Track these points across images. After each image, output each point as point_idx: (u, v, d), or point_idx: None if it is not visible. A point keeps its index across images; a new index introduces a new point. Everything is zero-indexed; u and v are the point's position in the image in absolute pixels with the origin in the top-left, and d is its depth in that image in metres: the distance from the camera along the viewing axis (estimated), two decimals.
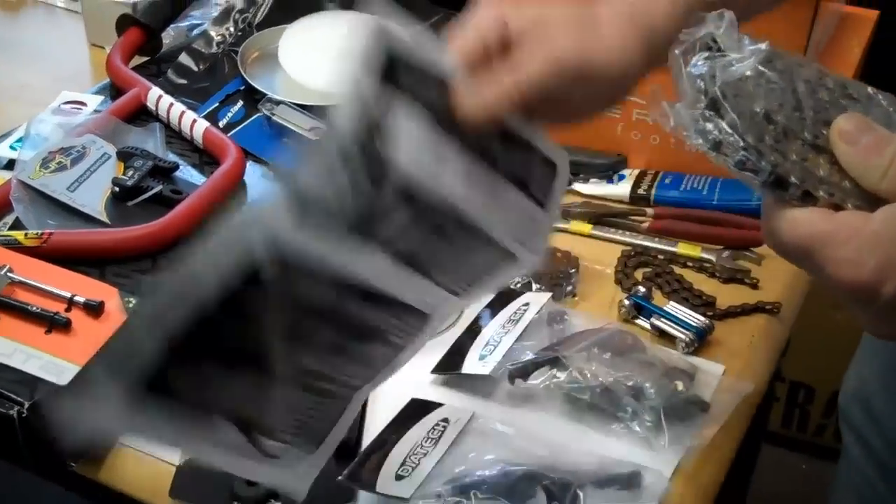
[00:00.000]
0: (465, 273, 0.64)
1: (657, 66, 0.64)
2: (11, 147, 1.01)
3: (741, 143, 0.60)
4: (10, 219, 0.91)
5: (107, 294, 0.81)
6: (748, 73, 0.61)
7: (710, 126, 0.61)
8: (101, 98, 1.11)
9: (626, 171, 1.11)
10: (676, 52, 0.63)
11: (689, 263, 1.00)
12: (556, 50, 0.61)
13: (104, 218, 0.91)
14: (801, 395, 1.77)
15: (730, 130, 0.60)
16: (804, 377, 1.75)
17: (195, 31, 1.27)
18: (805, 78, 0.62)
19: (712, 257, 0.99)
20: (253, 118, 1.06)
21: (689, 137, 0.62)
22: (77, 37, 1.36)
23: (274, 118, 1.03)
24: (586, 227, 1.04)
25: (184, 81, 1.12)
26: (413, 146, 0.55)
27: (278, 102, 1.04)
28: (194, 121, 1.03)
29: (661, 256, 1.00)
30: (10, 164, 0.98)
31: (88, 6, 1.33)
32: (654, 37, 0.63)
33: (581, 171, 1.11)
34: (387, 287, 0.57)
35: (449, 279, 0.62)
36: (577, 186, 1.10)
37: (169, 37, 1.25)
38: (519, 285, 0.94)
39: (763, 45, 0.61)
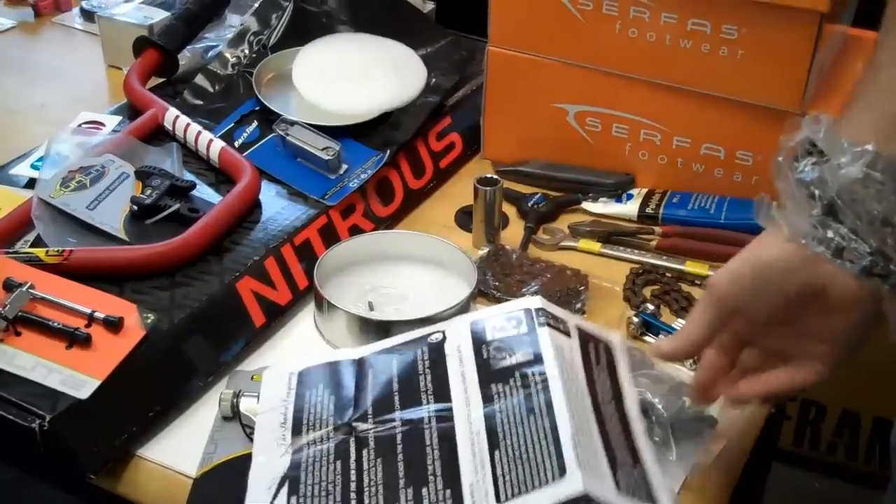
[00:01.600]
0: None
1: None
2: (32, 166, 1.03)
3: (867, 249, 0.61)
4: (31, 236, 0.93)
5: (126, 310, 0.83)
6: (858, 175, 0.61)
7: (829, 233, 0.61)
8: (118, 118, 1.13)
9: (634, 191, 1.13)
10: (780, 158, 0.63)
11: (697, 281, 1.01)
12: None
13: (123, 236, 0.93)
14: (812, 412, 1.77)
15: (853, 236, 0.60)
16: (815, 394, 1.75)
17: (211, 53, 1.30)
18: None
19: None
20: (268, 138, 1.08)
21: (809, 246, 0.62)
22: (95, 58, 1.39)
23: (288, 138, 1.05)
24: (595, 246, 1.06)
25: (200, 102, 1.14)
26: None
27: (292, 123, 1.06)
28: (210, 141, 1.05)
29: (668, 274, 1.02)
30: (31, 183, 1.00)
31: (105, 28, 1.35)
32: None
33: (590, 190, 1.13)
34: None
35: None
36: (587, 205, 1.12)
37: (185, 58, 1.27)
38: None
39: (869, 147, 0.62)
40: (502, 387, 0.74)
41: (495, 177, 1.04)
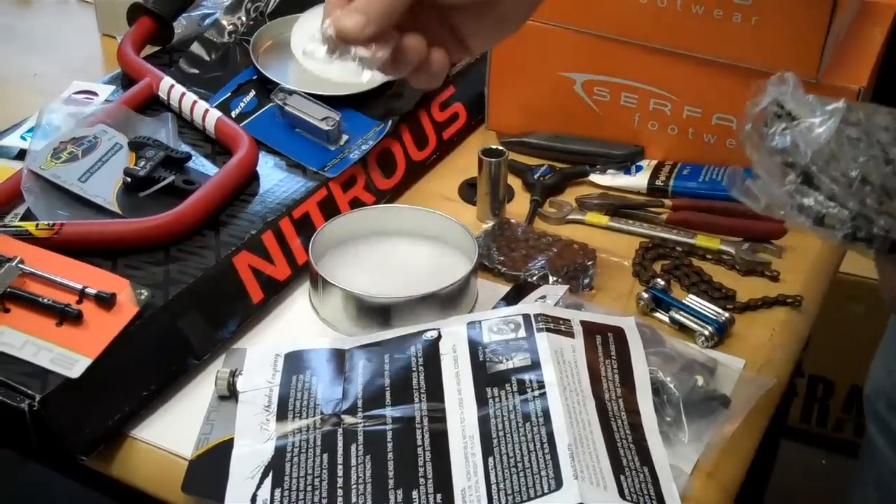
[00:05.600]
0: None
1: None
2: (22, 137, 1.00)
3: (847, 214, 0.58)
4: (21, 209, 0.90)
5: (118, 286, 0.80)
6: (830, 134, 0.58)
7: (808, 201, 0.58)
8: (112, 88, 1.10)
9: (643, 163, 1.10)
10: (747, 127, 0.60)
11: (708, 256, 0.98)
12: None
13: (116, 209, 0.90)
14: (820, 389, 1.75)
15: (831, 203, 0.58)
16: (824, 371, 1.73)
17: (207, 21, 1.26)
18: (883, 125, 0.59)
19: (731, 249, 0.98)
20: (265, 108, 1.04)
21: (788, 216, 0.59)
22: (89, 27, 1.35)
23: (287, 108, 1.02)
24: (603, 219, 1.03)
25: (195, 71, 1.11)
26: None
27: (291, 92, 1.03)
28: (206, 111, 1.02)
29: (679, 249, 0.99)
30: (22, 154, 0.97)
31: None
32: None
33: (598, 161, 1.10)
34: None
35: None
36: (595, 178, 1.08)
37: (181, 26, 1.24)
38: (535, 278, 0.92)
39: (839, 104, 0.59)
40: (498, 391, 0.72)
41: (500, 148, 1.00)
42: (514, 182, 1.08)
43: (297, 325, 0.88)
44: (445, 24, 0.67)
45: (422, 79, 0.67)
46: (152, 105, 1.06)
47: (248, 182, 0.96)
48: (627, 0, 1.02)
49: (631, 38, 1.05)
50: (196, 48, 1.13)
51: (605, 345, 0.79)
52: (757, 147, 0.62)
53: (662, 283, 0.92)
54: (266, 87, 1.06)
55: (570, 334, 0.78)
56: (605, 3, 1.03)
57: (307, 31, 1.10)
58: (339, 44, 0.63)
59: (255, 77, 1.08)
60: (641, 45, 1.04)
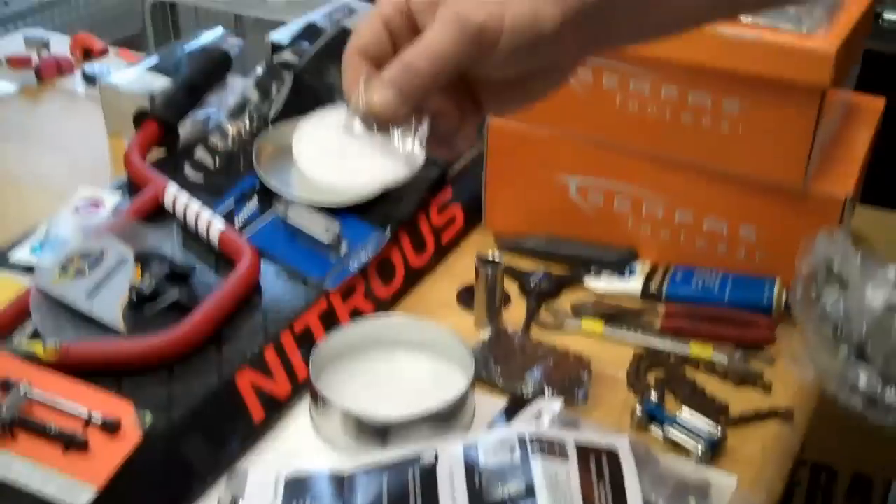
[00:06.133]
0: None
1: (587, 28, 0.60)
2: (32, 251, 1.03)
3: None
4: (29, 326, 0.92)
5: (122, 409, 0.82)
6: (887, 304, 0.58)
7: (861, 381, 0.59)
8: (118, 196, 1.13)
9: (637, 265, 1.12)
10: (799, 289, 0.61)
11: (702, 365, 1.00)
12: (456, 12, 0.56)
13: (121, 327, 0.92)
14: (823, 477, 1.75)
15: (885, 384, 0.58)
16: (826, 459, 1.73)
17: (211, 123, 1.29)
18: None
19: (724, 359, 1.00)
20: (268, 216, 1.07)
21: (839, 392, 0.59)
22: (97, 125, 1.38)
23: (288, 219, 1.04)
24: (598, 327, 1.05)
25: (200, 177, 1.14)
26: None
27: (292, 202, 1.06)
28: (210, 221, 1.04)
29: (672, 359, 1.01)
30: (31, 268, 1.00)
31: (106, 96, 1.35)
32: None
33: (593, 266, 1.12)
34: None
35: None
36: (590, 282, 1.11)
37: (185, 128, 1.27)
38: (532, 392, 0.94)
39: (891, 273, 0.59)
40: None
41: (496, 258, 1.03)
42: (511, 286, 1.10)
43: (298, 443, 0.90)
44: (464, 89, 0.62)
45: (444, 152, 0.64)
46: (158, 213, 1.09)
47: (251, 295, 0.98)
48: (619, 108, 1.05)
49: (623, 144, 1.08)
50: (200, 154, 1.16)
51: (598, 467, 0.80)
52: (807, 311, 0.62)
53: (656, 396, 0.94)
54: (269, 195, 1.09)
55: (565, 456, 0.80)
56: (598, 111, 1.06)
57: (308, 135, 1.13)
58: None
59: (257, 185, 1.11)
60: (633, 150, 1.07)
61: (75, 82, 1.51)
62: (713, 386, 0.97)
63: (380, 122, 0.58)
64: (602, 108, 1.05)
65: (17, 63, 1.56)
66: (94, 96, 1.43)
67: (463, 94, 0.63)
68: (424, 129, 0.60)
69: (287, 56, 1.20)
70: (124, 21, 3.07)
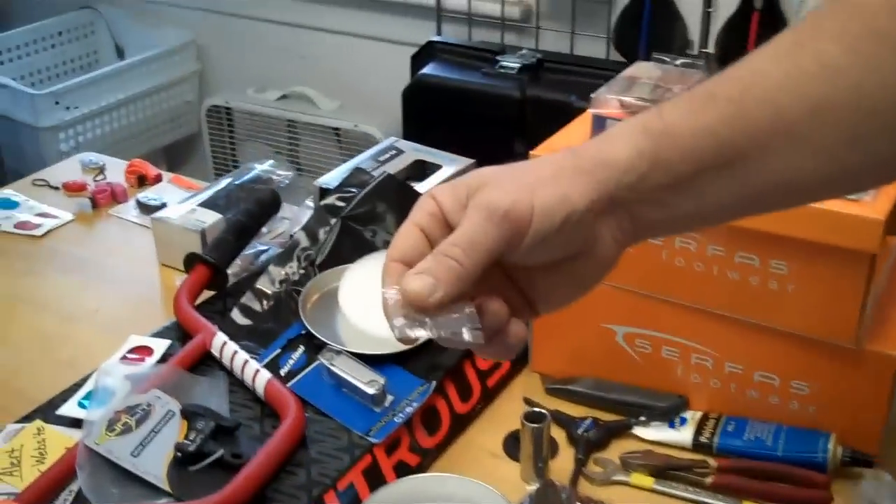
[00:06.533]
0: None
1: (619, 215, 0.60)
2: (80, 404, 1.04)
3: None
4: (75, 486, 0.93)
5: None
6: None
7: None
8: (167, 343, 1.14)
9: (687, 414, 1.10)
10: None
11: None
12: (484, 201, 0.57)
13: (165, 486, 0.92)
14: None
15: None
16: None
17: (260, 261, 1.31)
18: None
19: None
20: (313, 366, 1.07)
21: None
22: (149, 255, 1.40)
23: (333, 369, 1.04)
24: (648, 481, 1.03)
25: (248, 322, 1.15)
26: None
27: (338, 352, 1.06)
28: (257, 371, 1.05)
29: None
30: (78, 423, 1.00)
31: (158, 230, 1.37)
32: (606, 182, 0.59)
33: (642, 412, 1.10)
34: None
35: None
36: (639, 431, 1.09)
37: (235, 265, 1.29)
38: None
39: None
40: None
41: (543, 412, 1.02)
42: (559, 434, 1.09)
43: None
44: (512, 285, 0.62)
45: (498, 350, 0.62)
46: (206, 361, 1.10)
47: (297, 451, 0.98)
48: (665, 262, 1.04)
49: (670, 297, 1.07)
50: (248, 299, 1.17)
51: None
52: None
53: None
54: (314, 343, 1.09)
55: None
56: (644, 264, 1.05)
57: (353, 284, 1.14)
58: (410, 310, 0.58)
59: (303, 332, 1.11)
60: (680, 304, 1.06)
61: (129, 210, 1.54)
62: None
63: (416, 309, 0.57)
64: (648, 262, 1.04)
65: (73, 188, 1.59)
66: (147, 225, 1.46)
67: (510, 291, 0.63)
68: (468, 317, 0.59)
69: (334, 200, 1.22)
70: (182, 122, 3.14)
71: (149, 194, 1.54)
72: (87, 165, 1.68)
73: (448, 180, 1.31)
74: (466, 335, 0.58)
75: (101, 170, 1.66)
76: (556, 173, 0.59)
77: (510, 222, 0.57)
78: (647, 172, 0.59)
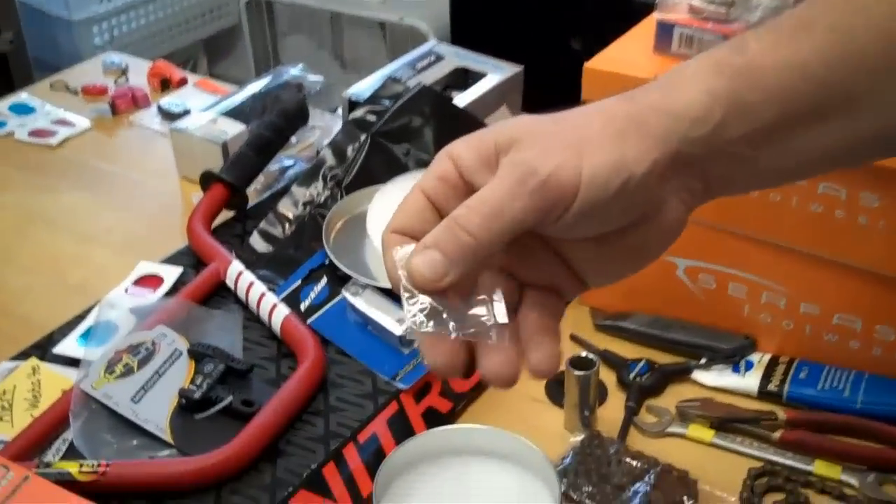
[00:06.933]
0: None
1: (689, 174, 0.48)
2: (79, 341, 0.94)
3: None
4: (68, 436, 0.84)
5: None
6: None
7: None
8: (178, 270, 1.04)
9: (754, 357, 0.98)
10: None
11: (827, 489, 0.86)
12: (519, 161, 0.46)
13: (167, 436, 0.83)
14: None
15: None
16: None
17: (287, 174, 1.20)
18: None
19: (855, 481, 0.86)
20: (336, 301, 0.97)
21: None
22: (170, 167, 1.30)
23: (357, 306, 0.94)
24: (707, 434, 0.92)
25: (268, 249, 1.04)
26: None
27: (364, 286, 0.95)
28: (274, 306, 0.95)
29: (794, 478, 0.87)
30: (77, 362, 0.91)
31: (178, 141, 1.26)
32: (671, 137, 0.47)
33: (703, 354, 0.99)
34: None
35: None
36: (698, 376, 0.97)
37: (258, 182, 1.18)
38: None
39: None
40: None
41: (591, 357, 0.91)
42: (608, 377, 0.98)
43: None
44: (551, 253, 0.51)
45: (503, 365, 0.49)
46: (220, 292, 1.00)
47: (314, 397, 0.88)
48: None
49: (739, 230, 0.94)
50: (269, 222, 1.06)
51: None
52: None
53: None
54: (338, 275, 0.98)
55: None
56: None
57: (383, 208, 1.03)
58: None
59: (327, 262, 1.00)
60: (751, 237, 0.93)
61: (151, 117, 1.43)
62: None
63: (424, 292, 0.47)
64: None
65: (93, 92, 1.48)
66: (168, 134, 1.35)
67: (548, 260, 0.51)
68: (495, 303, 0.49)
69: (364, 114, 1.09)
70: (221, 14, 3.01)
71: (171, 100, 1.43)
72: (109, 67, 1.57)
73: (493, 91, 1.19)
74: (493, 335, 0.48)
75: (124, 72, 1.55)
76: (609, 128, 0.47)
77: (550, 191, 0.46)
78: (722, 122, 0.47)
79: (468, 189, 0.48)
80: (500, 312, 0.49)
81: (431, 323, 0.48)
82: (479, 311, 0.49)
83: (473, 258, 0.46)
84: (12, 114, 1.44)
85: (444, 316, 0.48)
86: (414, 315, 0.48)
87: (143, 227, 1.21)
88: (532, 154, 0.46)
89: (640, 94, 0.48)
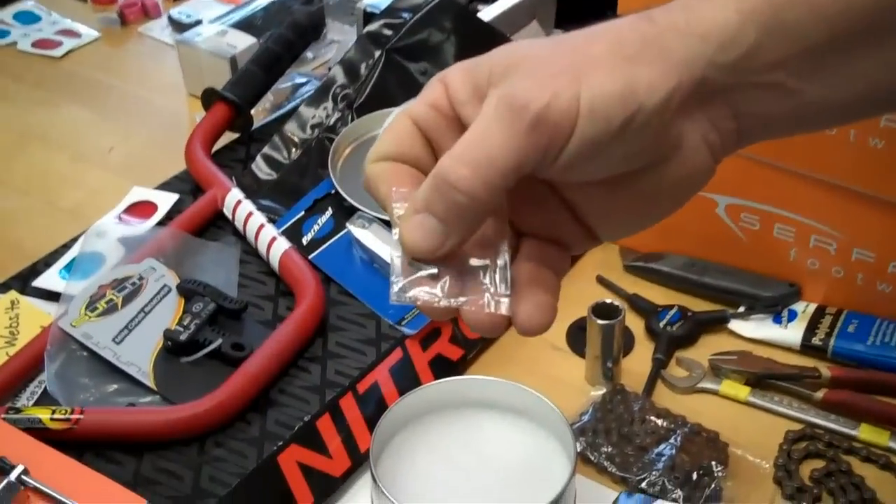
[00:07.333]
0: None
1: (716, 107, 0.41)
2: (61, 273, 0.88)
3: None
4: (44, 378, 0.78)
5: None
6: None
7: None
8: (174, 197, 0.96)
9: (798, 307, 0.89)
10: None
11: (873, 457, 0.78)
12: (507, 95, 0.38)
13: (150, 381, 0.77)
14: None
15: None
16: None
17: (300, 92, 1.11)
18: None
19: None
20: (341, 234, 0.89)
21: None
22: (178, 83, 1.22)
23: (363, 241, 0.86)
24: (742, 391, 0.83)
25: (271, 176, 0.96)
26: None
27: (371, 220, 0.87)
28: (273, 239, 0.87)
29: (836, 443, 0.79)
30: (59, 296, 0.85)
31: (184, 56, 1.18)
32: (694, 62, 0.39)
33: (742, 302, 0.90)
34: None
35: None
36: (736, 326, 0.89)
37: (268, 101, 1.09)
38: (657, 487, 0.74)
39: None
40: None
41: (617, 304, 0.82)
42: (636, 324, 0.90)
43: None
44: (560, 203, 0.45)
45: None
46: (218, 222, 0.93)
47: (312, 342, 0.81)
48: None
49: (789, 165, 0.84)
50: (273, 146, 0.98)
51: None
52: None
53: (810, 502, 0.73)
54: (344, 207, 0.90)
55: None
56: None
57: None
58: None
59: (333, 191, 0.92)
60: (802, 174, 0.84)
61: (161, 28, 1.34)
62: (888, 488, 0.75)
63: (422, 261, 0.41)
64: None
65: (102, 1, 1.40)
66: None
67: (554, 209, 0.44)
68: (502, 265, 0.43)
69: (380, 27, 1.00)
70: None
71: (183, 9, 1.35)
72: None
73: (522, 4, 1.09)
74: (493, 305, 0.42)
75: None
76: (616, 51, 0.39)
77: (545, 127, 0.38)
78: (756, 44, 0.38)
79: (459, 123, 0.40)
80: (503, 282, 0.42)
81: (423, 290, 0.41)
82: (476, 274, 0.42)
83: (473, 218, 0.40)
84: (17, 23, 1.36)
85: (437, 280, 0.41)
86: (400, 278, 0.41)
87: (146, 149, 1.13)
88: (523, 85, 0.38)
89: (660, 14, 0.39)
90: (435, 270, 0.42)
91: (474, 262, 0.42)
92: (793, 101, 0.40)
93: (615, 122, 0.38)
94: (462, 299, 0.42)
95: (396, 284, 0.42)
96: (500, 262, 0.43)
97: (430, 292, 0.42)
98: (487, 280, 0.42)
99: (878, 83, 0.40)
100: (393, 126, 0.42)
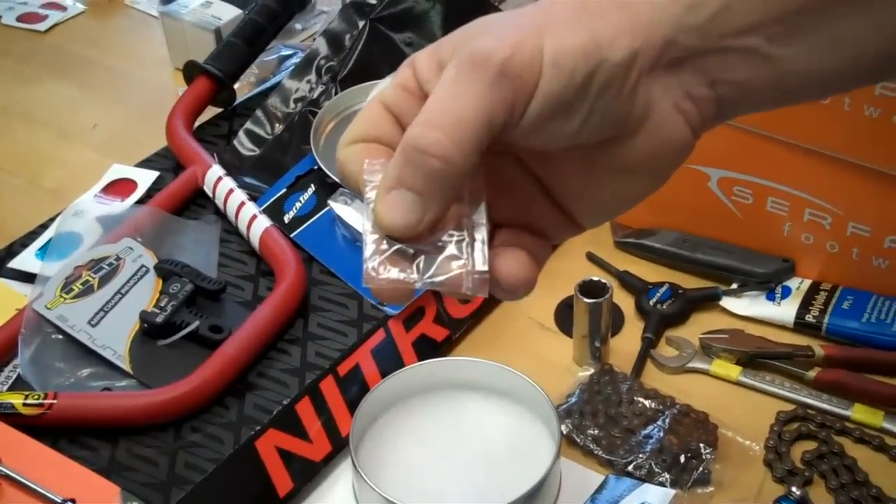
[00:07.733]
0: None
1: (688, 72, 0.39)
2: (37, 254, 0.86)
3: None
4: (17, 363, 0.76)
5: (106, 495, 0.66)
6: None
7: None
8: (154, 175, 0.94)
9: (792, 283, 0.87)
10: None
11: (866, 438, 0.76)
12: (468, 52, 0.37)
13: (125, 364, 0.75)
14: None
15: None
16: None
17: (286, 65, 1.09)
18: None
19: None
20: (324, 212, 0.87)
21: None
22: (164, 57, 1.20)
23: (344, 218, 0.84)
24: (733, 371, 0.82)
25: (253, 152, 0.94)
26: None
27: (353, 197, 0.85)
28: (253, 217, 0.85)
29: (829, 424, 0.77)
30: (34, 278, 0.83)
31: (169, 27, 1.16)
32: (659, 23, 0.37)
33: (734, 278, 0.88)
34: None
35: None
36: (728, 303, 0.87)
37: (252, 74, 1.07)
38: (643, 470, 0.73)
39: None
40: None
41: (604, 282, 0.80)
42: (626, 302, 0.88)
43: None
44: (537, 187, 0.43)
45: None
46: (198, 200, 0.91)
47: (291, 323, 0.79)
48: None
49: (782, 136, 0.82)
50: (256, 121, 0.96)
51: None
52: None
53: (799, 493, 0.71)
54: (328, 183, 0.88)
55: None
56: None
57: None
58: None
59: (316, 167, 0.90)
60: (796, 145, 0.81)
61: (148, 0, 1.32)
62: (881, 469, 0.74)
63: (402, 241, 0.39)
64: None
65: None
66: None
67: (533, 197, 0.43)
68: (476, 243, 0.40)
69: None
70: None
71: None
72: None
73: None
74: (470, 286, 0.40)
75: None
76: (582, 7, 0.37)
77: (509, 80, 0.36)
78: (726, 4, 0.37)
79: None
80: (480, 257, 0.40)
81: (394, 270, 0.39)
82: (452, 251, 0.40)
83: (450, 185, 0.37)
84: None
85: (410, 259, 0.39)
86: (373, 255, 0.39)
87: (130, 125, 1.11)
88: (484, 41, 0.36)
89: None
90: (411, 250, 0.40)
91: (450, 237, 0.40)
92: (772, 69, 0.38)
93: (578, 76, 0.36)
94: (440, 278, 0.40)
95: (369, 263, 0.40)
96: (476, 234, 0.40)
97: (404, 272, 0.39)
98: (465, 255, 0.40)
99: (864, 48, 0.38)
100: (364, 111, 0.41)
